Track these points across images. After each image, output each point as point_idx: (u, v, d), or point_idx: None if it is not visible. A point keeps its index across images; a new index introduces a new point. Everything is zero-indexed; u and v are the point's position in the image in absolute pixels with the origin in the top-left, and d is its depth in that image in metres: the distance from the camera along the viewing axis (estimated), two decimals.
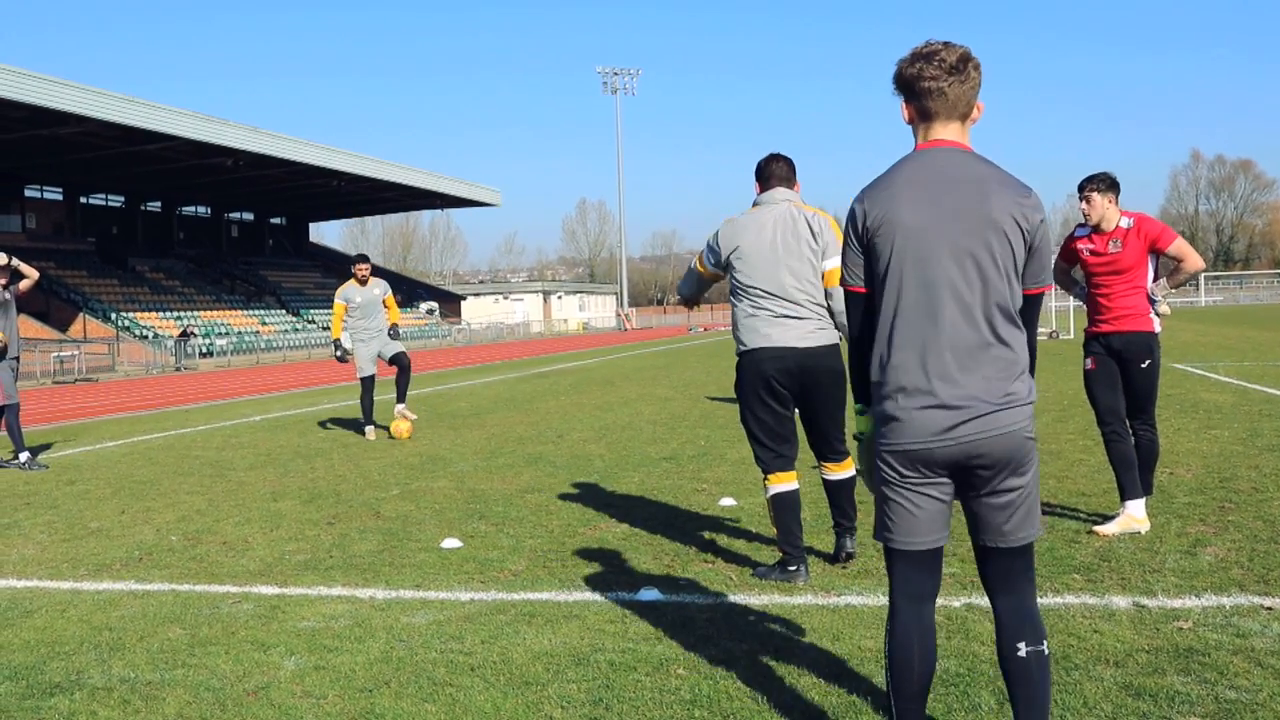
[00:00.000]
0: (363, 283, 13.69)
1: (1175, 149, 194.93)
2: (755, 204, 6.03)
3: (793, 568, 5.78)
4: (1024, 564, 3.24)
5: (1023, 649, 3.19)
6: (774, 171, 5.99)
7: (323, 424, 15.71)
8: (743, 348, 5.86)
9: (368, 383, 13.71)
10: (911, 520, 3.22)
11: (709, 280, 6.23)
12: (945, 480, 3.18)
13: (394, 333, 13.84)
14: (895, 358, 3.16)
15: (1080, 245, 6.83)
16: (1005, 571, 3.24)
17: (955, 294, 3.11)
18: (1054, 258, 3.16)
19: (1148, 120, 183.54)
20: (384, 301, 13.79)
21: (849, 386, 3.54)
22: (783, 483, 5.84)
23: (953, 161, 3.18)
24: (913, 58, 3.18)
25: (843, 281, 3.36)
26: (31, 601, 6.01)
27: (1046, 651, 3.21)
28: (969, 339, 3.11)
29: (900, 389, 3.14)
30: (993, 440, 3.09)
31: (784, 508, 5.80)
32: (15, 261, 11.79)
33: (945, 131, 3.21)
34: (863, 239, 3.24)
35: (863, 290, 3.30)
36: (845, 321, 5.77)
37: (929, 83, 3.15)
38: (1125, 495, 6.52)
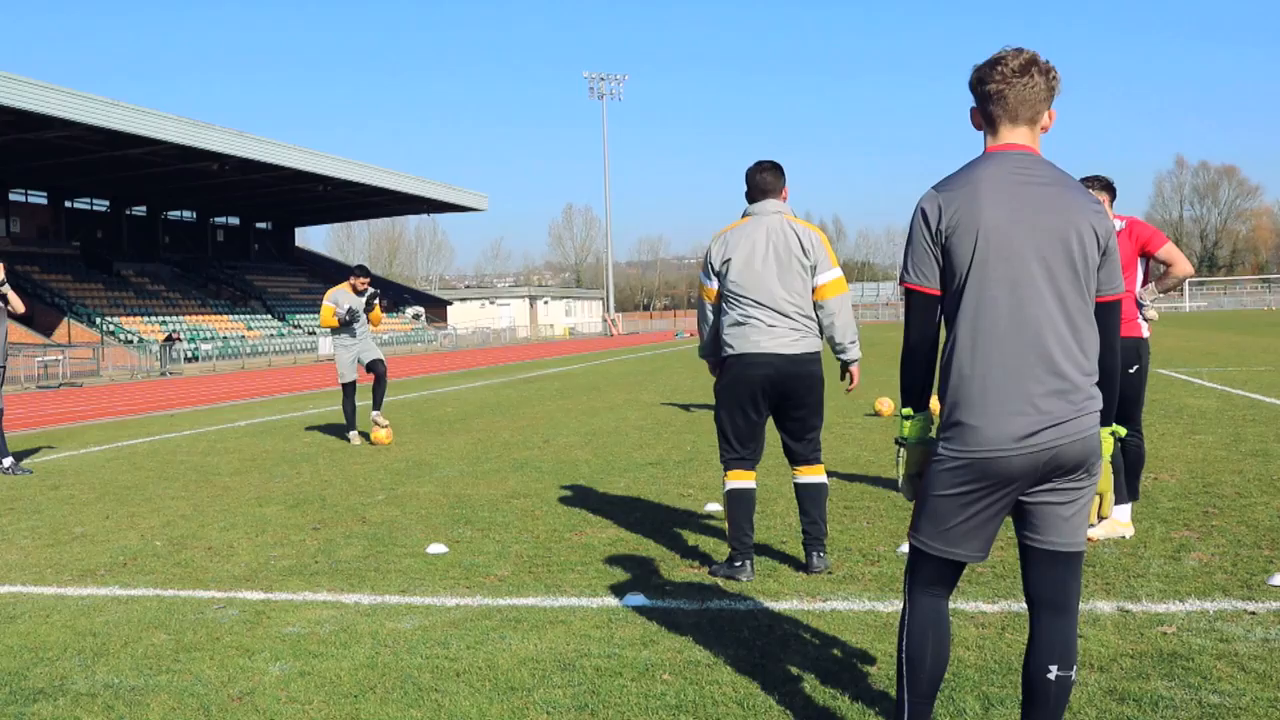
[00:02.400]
0: (359, 293, 13.70)
1: (1160, 155, 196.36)
2: (745, 214, 6.11)
3: (738, 563, 5.93)
4: (1076, 575, 3.19)
5: (1054, 672, 3.15)
6: (762, 181, 6.07)
7: (308, 429, 15.67)
8: (730, 351, 5.96)
9: (349, 389, 13.70)
10: (959, 532, 3.15)
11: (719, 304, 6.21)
12: (1007, 492, 3.10)
13: (373, 300, 13.82)
14: (976, 361, 3.10)
15: None
16: (1058, 582, 3.16)
17: (1039, 296, 3.07)
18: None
19: (1132, 126, 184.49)
20: (372, 312, 13.79)
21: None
22: (742, 480, 6.01)
23: (1027, 164, 3.17)
24: (984, 63, 3.20)
25: (905, 281, 3.24)
26: (15, 607, 5.98)
27: (1074, 678, 3.18)
28: (1049, 342, 3.06)
29: (979, 393, 3.08)
30: (1070, 446, 3.05)
31: (739, 504, 5.96)
32: (7, 288, 11.71)
33: (1013, 135, 3.20)
34: (938, 238, 3.16)
35: (935, 292, 3.20)
36: (836, 332, 6.01)
37: (991, 85, 3.17)
38: (1129, 497, 6.61)
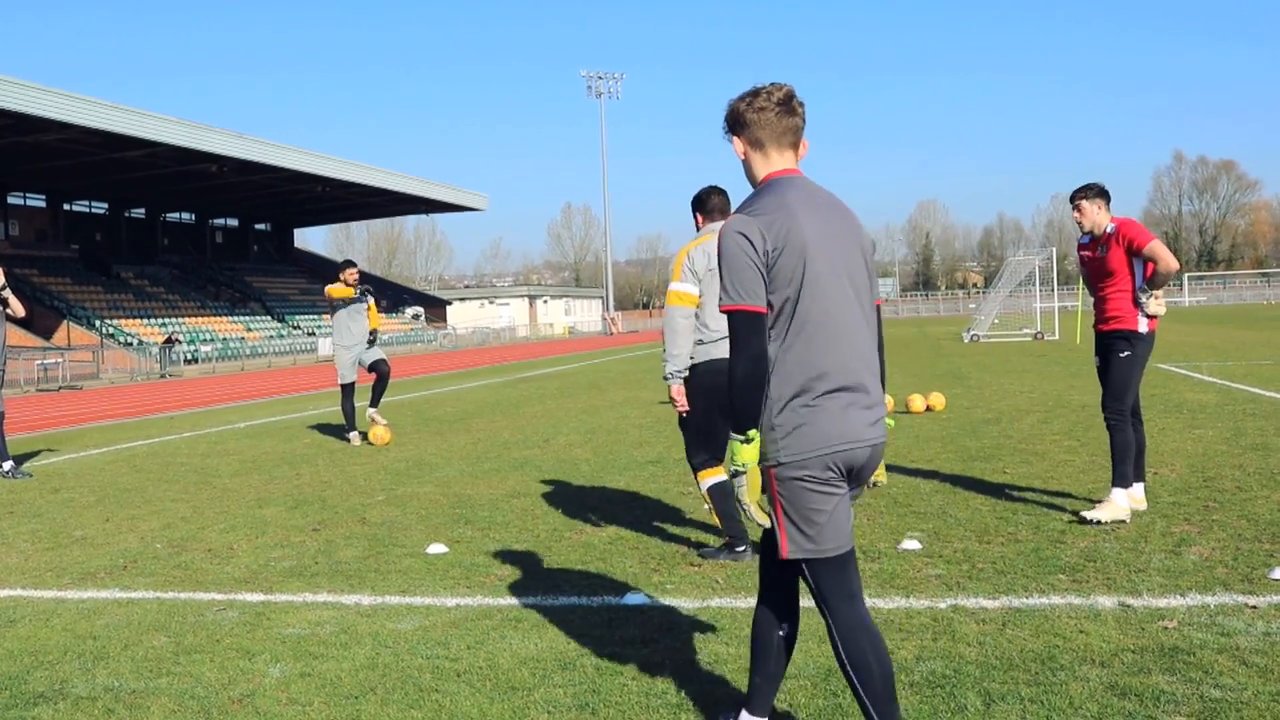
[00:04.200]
0: (350, 286, 13.69)
1: (1158, 150, 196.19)
2: (709, 231, 6.46)
3: (740, 548, 6.27)
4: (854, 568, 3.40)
5: (786, 629, 3.54)
6: (720, 204, 6.54)
7: (308, 430, 15.67)
8: (706, 358, 6.28)
9: (348, 389, 13.71)
10: (836, 524, 3.26)
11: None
12: (848, 485, 3.33)
13: (372, 337, 13.80)
14: (818, 366, 3.24)
15: (1080, 253, 7.21)
16: (853, 572, 3.37)
17: (854, 305, 3.34)
18: None
19: (1131, 121, 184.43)
20: (367, 310, 13.77)
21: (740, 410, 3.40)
22: (716, 475, 6.35)
23: (812, 187, 3.43)
24: (744, 96, 3.44)
25: (733, 304, 3.24)
26: (15, 610, 5.98)
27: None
28: (868, 345, 3.37)
29: (827, 393, 3.23)
30: (882, 444, 3.37)
31: (722, 496, 6.29)
32: (7, 292, 11.71)
33: (784, 161, 3.43)
34: (765, 259, 3.24)
35: (764, 310, 3.24)
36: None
37: (759, 115, 3.39)
38: (1113, 482, 6.82)
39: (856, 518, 7.25)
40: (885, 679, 3.23)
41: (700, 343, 6.30)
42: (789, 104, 3.41)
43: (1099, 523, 6.63)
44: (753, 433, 3.25)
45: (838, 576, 3.29)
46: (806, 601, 5.34)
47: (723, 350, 5.96)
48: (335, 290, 13.58)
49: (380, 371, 13.73)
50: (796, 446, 3.22)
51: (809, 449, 3.21)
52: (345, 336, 13.65)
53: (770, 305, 3.26)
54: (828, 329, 3.26)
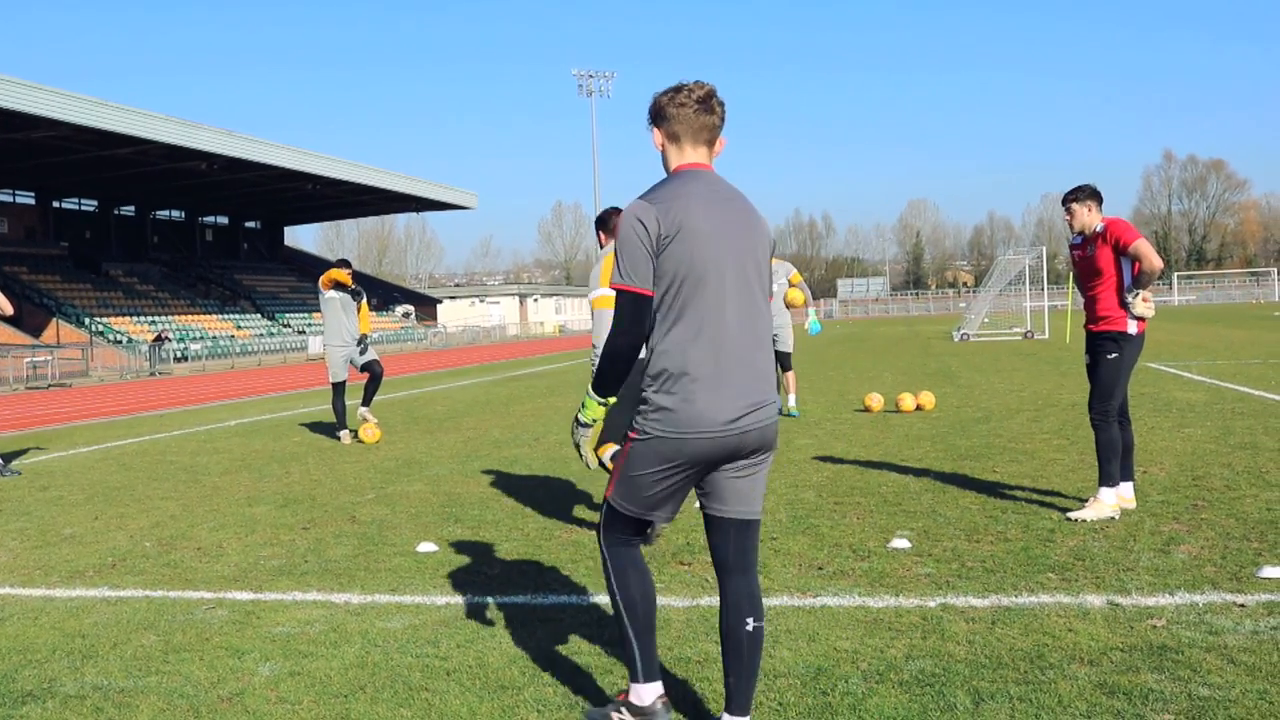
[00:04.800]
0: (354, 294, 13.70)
1: (1148, 149, 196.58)
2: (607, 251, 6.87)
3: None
4: (755, 539, 3.65)
5: (751, 624, 3.58)
6: (615, 223, 6.91)
7: (298, 428, 15.64)
8: None
9: (339, 388, 13.70)
10: (659, 500, 3.57)
11: None
12: (702, 468, 3.52)
13: (362, 344, 13.75)
14: (691, 353, 3.45)
15: (1072, 253, 7.25)
16: (741, 547, 3.61)
17: (741, 296, 3.51)
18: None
19: (1120, 120, 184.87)
20: (358, 306, 13.76)
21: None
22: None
23: (716, 182, 3.61)
24: (667, 90, 3.64)
25: (621, 284, 3.48)
26: (3, 609, 5.96)
27: (763, 628, 3.64)
28: (747, 339, 3.51)
29: (694, 381, 3.44)
30: (765, 429, 3.52)
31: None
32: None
33: (696, 155, 3.63)
34: (657, 244, 3.45)
35: (649, 293, 3.47)
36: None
37: (678, 110, 3.59)
38: (1100, 481, 6.86)
39: (845, 516, 7.26)
40: (648, 613, 3.64)
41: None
42: (708, 102, 3.60)
43: (1085, 522, 6.66)
44: (612, 400, 3.65)
45: (630, 529, 3.66)
46: (797, 600, 5.35)
47: None
48: (333, 274, 13.45)
49: (373, 372, 13.70)
50: (657, 426, 3.47)
51: (667, 430, 3.45)
52: (336, 336, 13.61)
53: (656, 289, 3.49)
54: (706, 319, 3.46)
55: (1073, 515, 6.79)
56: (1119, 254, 6.85)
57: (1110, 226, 6.88)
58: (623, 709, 3.73)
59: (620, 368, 3.55)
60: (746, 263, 3.55)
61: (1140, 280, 6.84)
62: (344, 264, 13.86)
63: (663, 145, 3.67)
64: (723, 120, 3.65)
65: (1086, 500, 7.04)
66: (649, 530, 3.68)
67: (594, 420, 3.70)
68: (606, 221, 7.13)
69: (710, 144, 3.65)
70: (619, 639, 3.73)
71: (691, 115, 3.59)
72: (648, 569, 3.71)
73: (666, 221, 3.44)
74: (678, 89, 3.62)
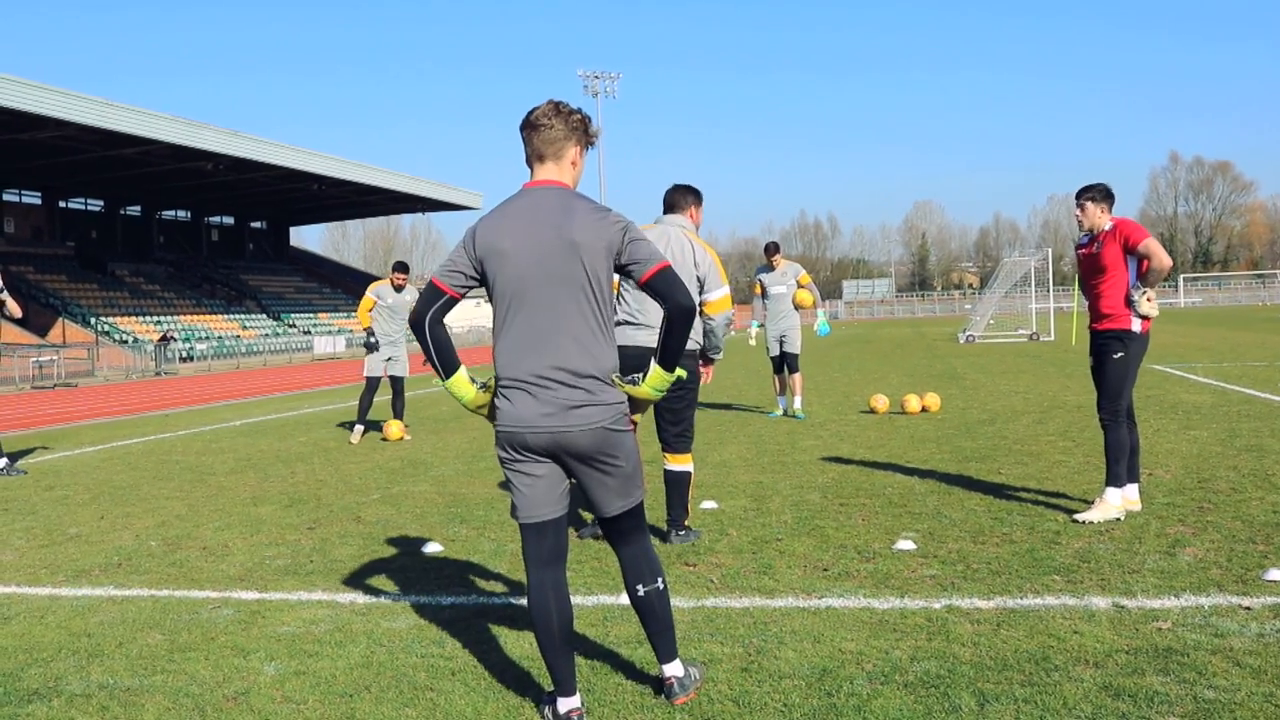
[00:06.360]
0: (398, 289, 13.75)
1: (1154, 151, 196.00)
2: (656, 221, 7.09)
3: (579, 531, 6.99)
4: (634, 517, 4.01)
5: (641, 589, 3.97)
6: (670, 198, 7.14)
7: (304, 428, 15.66)
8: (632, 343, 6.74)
9: (371, 383, 13.79)
10: (525, 497, 3.88)
11: None
12: (538, 461, 3.84)
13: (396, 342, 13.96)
14: (509, 355, 3.82)
15: (1078, 252, 7.23)
16: (622, 529, 4.02)
17: (548, 306, 3.77)
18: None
19: (1126, 122, 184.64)
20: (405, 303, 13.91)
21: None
22: (684, 463, 6.96)
23: (545, 196, 3.86)
24: (525, 114, 3.92)
25: (435, 277, 3.92)
26: (9, 608, 5.97)
27: (661, 587, 4.00)
28: (559, 344, 3.76)
29: (514, 381, 3.80)
30: (577, 434, 3.77)
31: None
32: (5, 295, 11.71)
33: (542, 172, 3.93)
34: (474, 260, 3.86)
35: (452, 294, 3.89)
36: (715, 338, 6.84)
37: (525, 132, 3.92)
38: (1106, 482, 6.86)
39: (850, 517, 7.26)
40: (563, 631, 3.87)
41: (624, 324, 6.76)
42: (531, 125, 3.90)
43: (1092, 523, 6.65)
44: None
45: (531, 543, 3.90)
46: (802, 601, 5.35)
47: (644, 336, 6.61)
48: (363, 311, 13.91)
49: (396, 389, 13.92)
50: (497, 423, 3.87)
51: (497, 426, 3.87)
52: (381, 335, 13.81)
53: (490, 297, 3.88)
54: (516, 329, 3.80)
55: (1079, 517, 6.78)
56: (1127, 252, 6.83)
57: (1119, 225, 6.88)
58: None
59: (421, 344, 4.00)
60: (553, 272, 3.78)
61: (1148, 278, 6.81)
62: (399, 267, 14.02)
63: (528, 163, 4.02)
64: (573, 133, 3.91)
65: (1092, 501, 7.03)
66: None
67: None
68: (684, 199, 7.10)
69: (558, 158, 3.92)
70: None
71: (533, 136, 3.90)
72: (566, 591, 3.98)
73: (482, 242, 3.87)
74: (530, 112, 3.92)
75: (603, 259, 3.79)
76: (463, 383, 3.99)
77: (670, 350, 3.87)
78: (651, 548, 4.05)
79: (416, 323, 3.90)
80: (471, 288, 3.93)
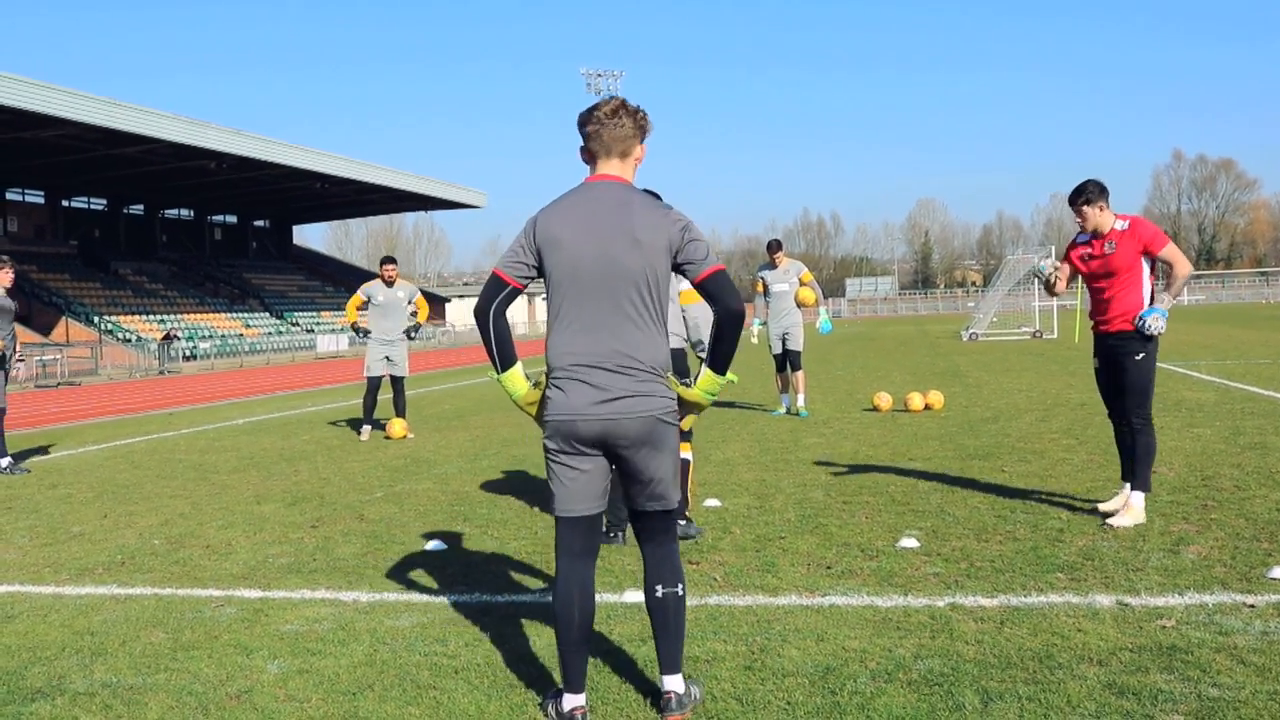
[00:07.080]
0: (389, 284, 13.75)
1: (1157, 148, 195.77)
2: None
3: (610, 534, 6.85)
4: (663, 521, 3.98)
5: (660, 590, 3.92)
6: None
7: (307, 426, 15.66)
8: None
9: (373, 383, 13.78)
10: (569, 492, 3.90)
11: None
12: (591, 454, 3.85)
13: (413, 330, 13.97)
14: (563, 345, 3.84)
15: (1075, 253, 6.96)
16: (654, 528, 3.98)
17: (605, 297, 3.79)
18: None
19: (1130, 120, 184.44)
20: (415, 303, 13.98)
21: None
22: (683, 451, 6.83)
23: (607, 191, 3.88)
24: (585, 110, 3.93)
25: (496, 268, 3.95)
26: (12, 606, 5.97)
27: (680, 593, 3.93)
28: (612, 337, 3.78)
29: (568, 370, 3.82)
30: (630, 421, 3.77)
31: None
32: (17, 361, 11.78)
33: (607, 168, 3.94)
34: (535, 250, 3.88)
35: (515, 284, 3.91)
36: (702, 333, 6.80)
37: (589, 127, 3.91)
38: (1133, 485, 6.72)
39: (854, 515, 7.25)
40: (582, 627, 3.88)
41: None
42: (599, 121, 3.91)
43: (1126, 529, 6.46)
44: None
45: (565, 536, 3.93)
46: (805, 599, 5.34)
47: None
48: (351, 309, 14.11)
49: (397, 388, 13.93)
50: (548, 414, 3.86)
51: (546, 417, 3.87)
52: (377, 332, 13.81)
53: (546, 288, 3.89)
54: (572, 319, 3.82)
55: (1112, 523, 6.55)
56: (1147, 258, 6.65)
57: (1137, 227, 6.66)
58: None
59: (484, 338, 3.98)
60: (610, 266, 3.80)
61: (1173, 286, 6.64)
62: (388, 260, 14.07)
63: (585, 159, 4.00)
64: (641, 131, 3.95)
65: (1097, 500, 6.96)
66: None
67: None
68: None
69: (624, 155, 3.94)
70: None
71: (601, 131, 3.90)
72: (591, 589, 3.98)
73: (542, 232, 3.91)
74: (593, 107, 3.93)
75: (662, 255, 3.81)
76: (518, 377, 4.01)
77: (721, 355, 3.90)
78: (678, 555, 4.01)
79: (480, 314, 3.91)
80: (533, 278, 3.94)
